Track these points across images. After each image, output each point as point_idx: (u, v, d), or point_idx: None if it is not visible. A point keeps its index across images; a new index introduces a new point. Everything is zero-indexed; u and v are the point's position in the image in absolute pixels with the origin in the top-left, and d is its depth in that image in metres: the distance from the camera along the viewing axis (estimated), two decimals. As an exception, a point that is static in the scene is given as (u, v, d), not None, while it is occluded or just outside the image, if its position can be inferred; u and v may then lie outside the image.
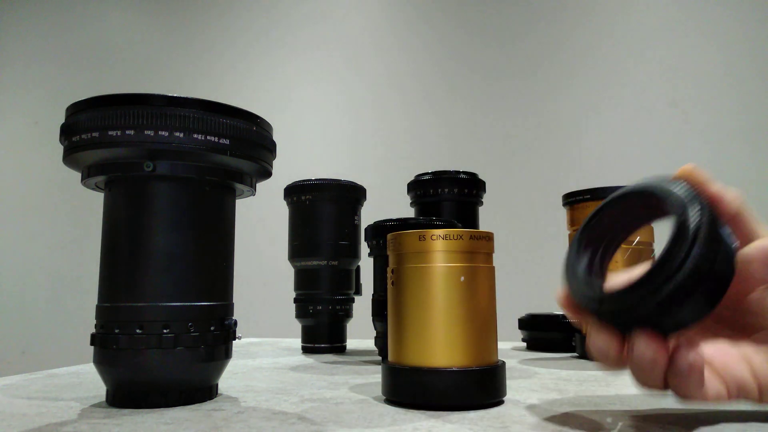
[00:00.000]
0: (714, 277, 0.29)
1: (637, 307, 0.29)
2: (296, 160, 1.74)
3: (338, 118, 1.98)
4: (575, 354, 0.69)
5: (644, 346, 0.29)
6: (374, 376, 0.53)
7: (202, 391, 0.41)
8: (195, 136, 0.38)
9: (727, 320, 0.34)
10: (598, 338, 0.31)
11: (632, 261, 0.63)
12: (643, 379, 0.31)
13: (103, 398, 0.41)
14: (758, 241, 0.32)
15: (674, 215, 0.30)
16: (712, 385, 0.31)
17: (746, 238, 0.32)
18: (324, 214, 0.74)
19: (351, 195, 0.75)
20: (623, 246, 0.37)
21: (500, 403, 0.39)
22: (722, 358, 0.32)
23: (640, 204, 0.34)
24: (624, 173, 1.59)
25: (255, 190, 0.46)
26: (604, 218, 0.35)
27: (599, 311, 0.31)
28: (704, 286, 0.28)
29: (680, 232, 0.29)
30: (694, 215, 0.29)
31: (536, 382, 0.49)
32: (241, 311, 0.49)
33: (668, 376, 0.30)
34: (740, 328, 0.34)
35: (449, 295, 0.38)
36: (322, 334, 0.74)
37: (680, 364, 0.29)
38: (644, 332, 0.29)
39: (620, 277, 0.36)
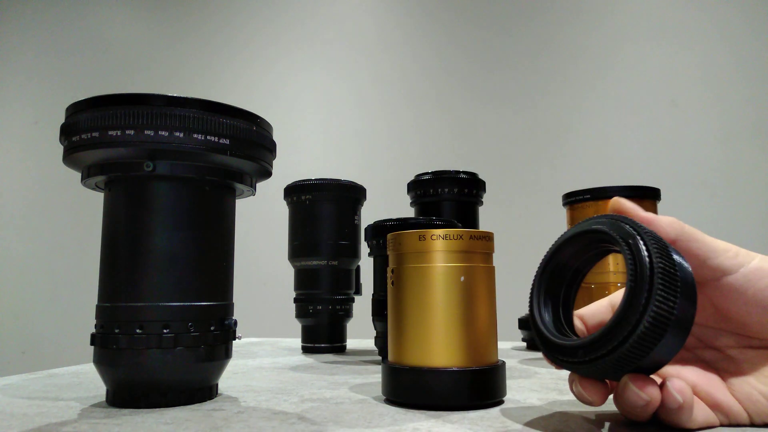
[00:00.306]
0: (680, 312, 0.28)
1: (611, 357, 0.29)
2: (296, 159, 1.74)
3: (338, 117, 1.98)
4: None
5: (634, 394, 0.29)
6: (374, 376, 0.53)
7: (202, 391, 0.41)
8: (195, 136, 0.38)
9: (707, 338, 0.35)
10: (580, 390, 0.32)
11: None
12: (633, 416, 0.31)
13: (103, 398, 0.41)
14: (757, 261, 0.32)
15: (625, 257, 0.29)
16: (701, 414, 0.31)
17: (699, 257, 0.32)
18: (324, 214, 0.74)
19: (351, 195, 0.75)
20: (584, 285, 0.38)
21: (500, 403, 0.39)
22: (706, 385, 0.32)
23: (591, 243, 0.34)
24: (624, 173, 1.60)
25: (255, 190, 0.46)
26: (559, 262, 0.35)
27: (574, 365, 0.31)
28: (673, 325, 0.28)
29: (637, 276, 0.28)
30: (644, 256, 0.29)
31: (536, 382, 0.49)
32: (241, 311, 0.49)
33: (658, 411, 0.31)
34: (719, 345, 0.34)
35: (449, 295, 0.38)
36: (322, 334, 0.74)
37: (671, 402, 0.30)
38: (631, 379, 0.30)
39: (594, 314, 0.37)
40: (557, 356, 0.32)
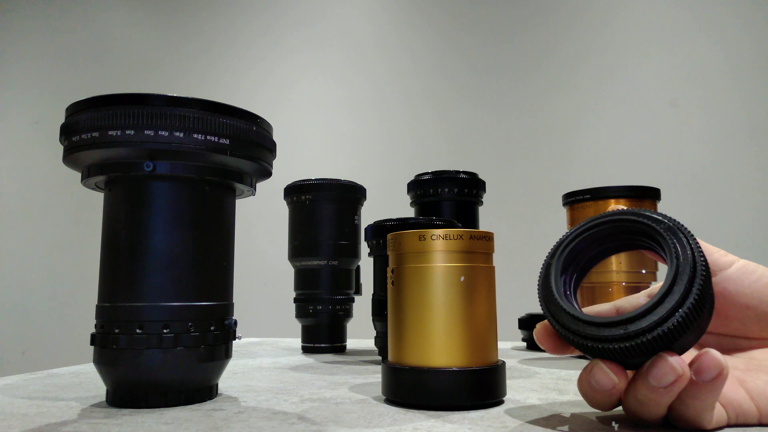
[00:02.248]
0: (710, 302, 0.30)
1: (654, 332, 0.28)
2: (296, 160, 1.74)
3: (338, 118, 1.98)
4: (575, 354, 0.69)
5: (667, 365, 0.28)
6: (374, 376, 0.53)
7: (202, 391, 0.41)
8: (195, 136, 0.38)
9: (710, 346, 0.34)
10: (601, 372, 0.30)
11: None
12: (652, 406, 0.29)
13: (103, 398, 0.41)
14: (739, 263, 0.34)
15: (671, 246, 0.30)
16: (715, 410, 0.30)
17: None
18: (324, 214, 0.74)
19: (351, 195, 0.75)
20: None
21: (500, 403, 0.39)
22: None
23: (617, 232, 0.34)
24: (624, 173, 1.60)
25: (255, 190, 0.46)
26: (580, 243, 0.34)
27: (612, 342, 0.29)
28: (706, 313, 0.29)
29: (680, 264, 0.29)
30: (688, 247, 0.30)
31: (536, 382, 0.49)
32: (241, 311, 0.49)
33: (678, 409, 0.29)
34: (725, 345, 0.34)
35: (449, 295, 0.38)
36: (322, 334, 0.74)
37: (710, 370, 0.28)
38: (667, 353, 0.28)
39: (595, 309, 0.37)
40: (584, 336, 0.30)
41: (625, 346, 0.29)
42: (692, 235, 0.30)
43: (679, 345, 0.29)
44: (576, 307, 0.33)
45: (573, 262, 0.35)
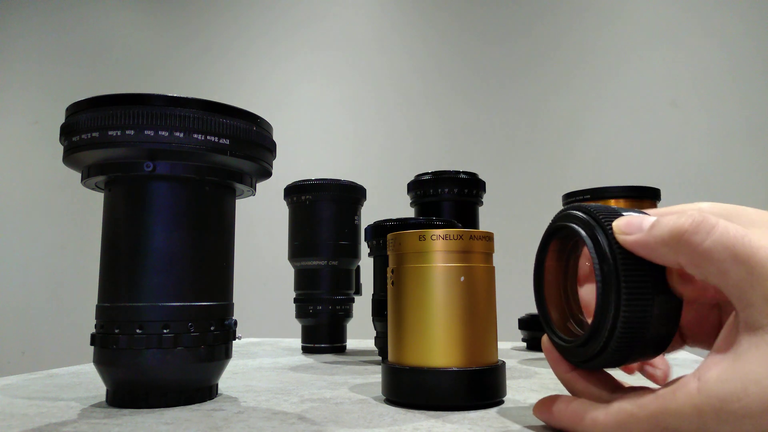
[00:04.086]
0: (660, 309, 0.27)
1: (601, 359, 0.29)
2: (296, 160, 1.74)
3: (338, 118, 1.98)
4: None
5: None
6: (374, 376, 0.53)
7: (202, 391, 0.41)
8: (195, 136, 0.38)
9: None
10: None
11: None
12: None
13: (103, 398, 0.41)
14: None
15: (591, 255, 0.28)
16: None
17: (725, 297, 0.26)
18: (324, 214, 0.74)
19: (351, 195, 0.75)
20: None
21: (500, 403, 0.39)
22: None
23: (567, 237, 0.33)
24: (624, 173, 1.60)
25: (255, 190, 0.46)
26: (550, 263, 0.34)
27: (580, 364, 0.32)
28: (654, 321, 0.27)
29: (604, 275, 0.27)
30: (607, 253, 0.27)
31: (536, 382, 0.49)
32: (241, 311, 0.49)
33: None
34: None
35: (449, 295, 0.38)
36: (322, 334, 0.74)
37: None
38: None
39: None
40: (567, 358, 0.32)
41: (593, 364, 0.30)
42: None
43: (642, 348, 0.28)
44: (567, 323, 0.34)
45: (555, 278, 0.35)
